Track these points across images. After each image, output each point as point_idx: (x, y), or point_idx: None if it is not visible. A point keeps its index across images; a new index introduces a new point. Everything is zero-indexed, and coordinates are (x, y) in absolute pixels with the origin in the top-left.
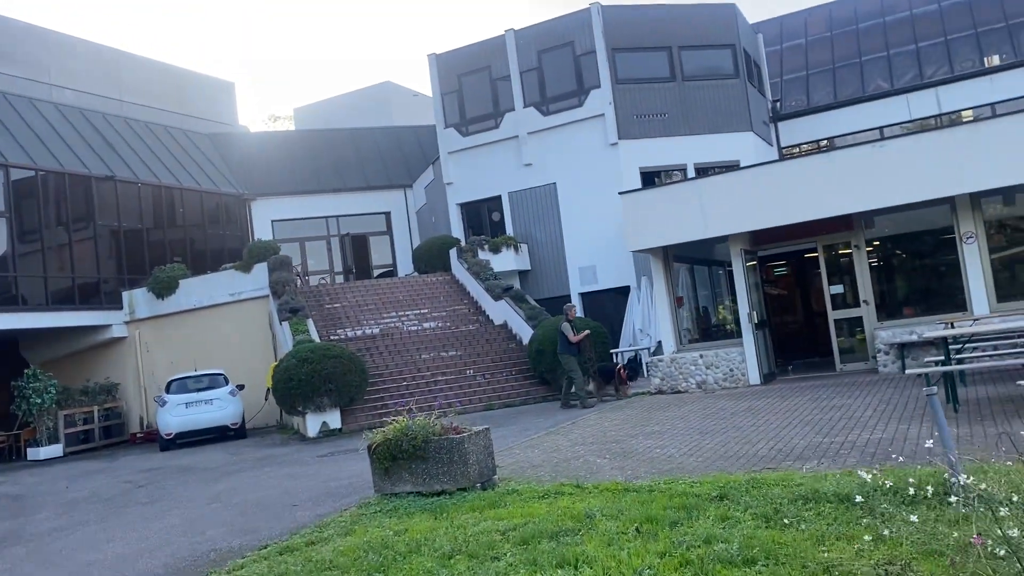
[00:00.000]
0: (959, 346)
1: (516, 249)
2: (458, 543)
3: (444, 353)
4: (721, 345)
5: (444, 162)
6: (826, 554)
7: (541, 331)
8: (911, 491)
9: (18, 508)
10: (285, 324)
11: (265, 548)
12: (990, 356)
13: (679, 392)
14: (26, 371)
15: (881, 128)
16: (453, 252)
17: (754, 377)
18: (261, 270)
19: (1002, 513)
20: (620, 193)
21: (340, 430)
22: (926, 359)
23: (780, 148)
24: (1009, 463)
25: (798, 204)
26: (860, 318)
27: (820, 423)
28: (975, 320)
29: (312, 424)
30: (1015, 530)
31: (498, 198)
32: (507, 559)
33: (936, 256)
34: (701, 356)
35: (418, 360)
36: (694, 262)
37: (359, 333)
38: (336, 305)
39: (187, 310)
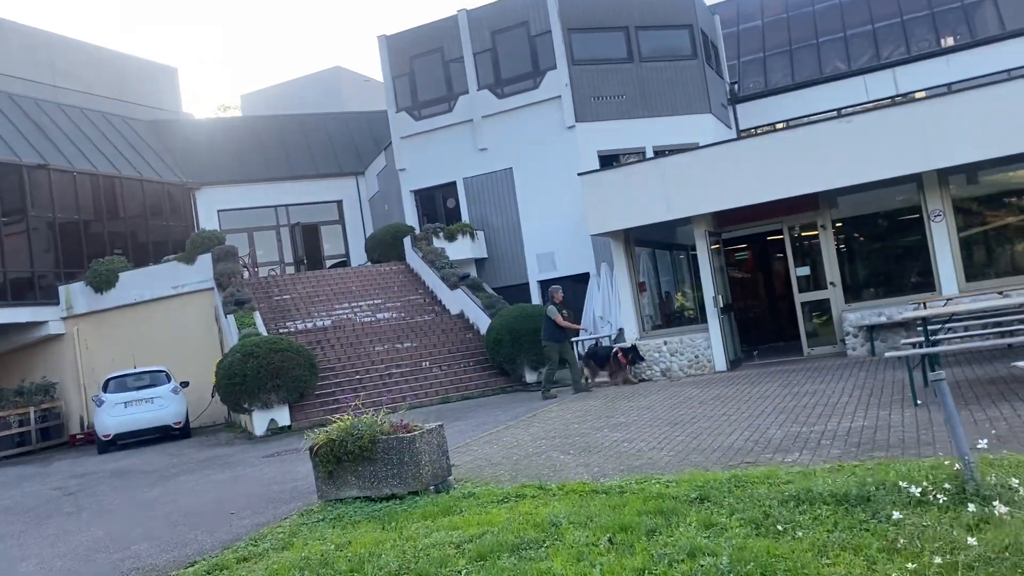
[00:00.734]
0: (938, 327)
1: (472, 236)
2: (407, 559)
3: (399, 345)
4: (686, 331)
5: (396, 148)
6: (832, 568)
7: (499, 320)
8: (916, 490)
9: None
10: (231, 317)
11: (193, 566)
12: (971, 337)
13: (644, 380)
14: None
15: (839, 110)
16: (407, 240)
17: (720, 363)
18: (205, 261)
19: None
20: (580, 174)
21: (289, 428)
22: (902, 341)
23: (738, 131)
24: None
25: (764, 183)
26: (827, 300)
27: (795, 411)
28: (948, 300)
29: (259, 422)
30: None
31: (453, 184)
32: None
33: (904, 236)
34: (665, 343)
35: (372, 352)
36: (655, 246)
37: (309, 325)
38: (285, 297)
39: (128, 304)
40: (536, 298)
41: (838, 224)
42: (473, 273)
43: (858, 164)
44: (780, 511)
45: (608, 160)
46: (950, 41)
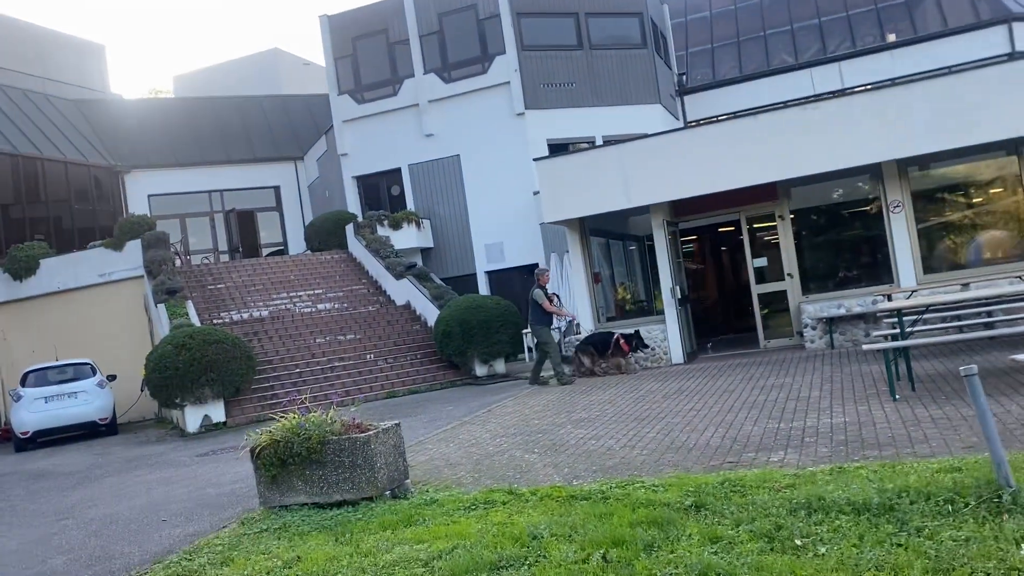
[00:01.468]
0: (914, 318)
1: (418, 225)
2: None
3: (341, 337)
4: (642, 323)
5: (338, 132)
6: None
7: (449, 311)
8: (949, 498)
9: None
10: (161, 307)
11: None
12: (947, 329)
13: (595, 375)
14: None
15: (786, 103)
16: (349, 228)
17: (677, 356)
18: (135, 248)
19: None
20: (535, 160)
21: (224, 424)
22: (875, 333)
23: (686, 122)
24: None
25: (724, 171)
26: (784, 292)
27: (767, 406)
28: (913, 292)
29: (192, 418)
30: None
31: (398, 171)
32: None
33: (862, 227)
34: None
35: (312, 345)
36: (609, 236)
37: (246, 316)
38: (220, 286)
39: (50, 293)
40: (484, 288)
41: (796, 215)
42: (419, 263)
43: (820, 153)
44: (792, 522)
45: (558, 149)
46: (894, 37)
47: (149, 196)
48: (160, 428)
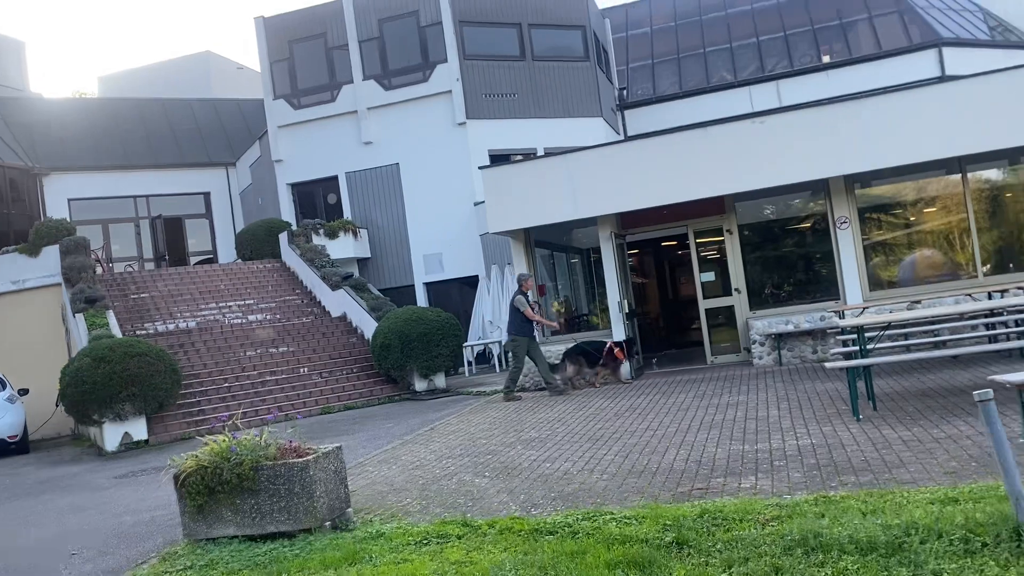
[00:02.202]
0: (875, 335)
1: (355, 234)
2: None
3: (273, 349)
4: (586, 337)
5: (273, 137)
6: None
7: (387, 324)
8: (963, 536)
9: None
10: (80, 317)
11: None
12: (900, 348)
13: (543, 390)
14: None
15: (728, 119)
16: (283, 237)
17: (625, 371)
18: (52, 254)
19: None
20: (480, 168)
21: (147, 442)
22: (833, 351)
23: (627, 136)
24: None
25: (673, 184)
26: (731, 307)
27: (727, 425)
28: (864, 309)
29: (111, 436)
30: None
31: (335, 178)
32: None
33: (810, 243)
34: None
35: (243, 358)
36: (554, 248)
37: (172, 327)
38: (144, 295)
39: None
40: (423, 300)
41: (744, 229)
42: (356, 273)
43: (767, 167)
44: (790, 563)
45: (499, 159)
46: (828, 58)
47: (69, 200)
48: (76, 446)
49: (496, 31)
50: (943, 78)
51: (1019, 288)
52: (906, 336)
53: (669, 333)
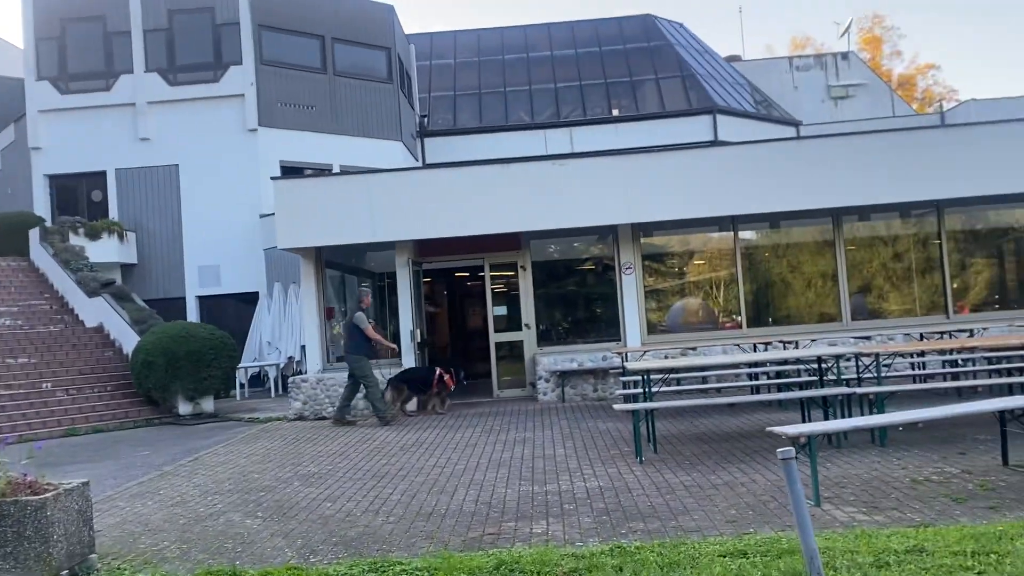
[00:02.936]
0: (661, 377)
1: (121, 237)
2: None
3: (11, 360)
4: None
5: (32, 122)
6: None
7: (151, 339)
8: None
9: None
10: None
11: None
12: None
13: (325, 419)
14: None
15: (521, 159)
16: (34, 233)
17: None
18: None
19: None
20: (273, 179)
21: None
22: (618, 392)
23: (425, 164)
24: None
25: (472, 215)
26: (520, 342)
27: (515, 464)
28: (645, 352)
29: None
30: None
31: (102, 174)
32: None
33: (596, 285)
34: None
35: None
36: (345, 270)
37: None
38: None
39: None
40: (194, 315)
41: (537, 267)
42: (119, 280)
43: (562, 209)
44: None
45: (291, 172)
46: (617, 112)
47: None
48: None
49: (298, 40)
50: (715, 142)
51: (780, 342)
52: (679, 381)
53: (459, 364)
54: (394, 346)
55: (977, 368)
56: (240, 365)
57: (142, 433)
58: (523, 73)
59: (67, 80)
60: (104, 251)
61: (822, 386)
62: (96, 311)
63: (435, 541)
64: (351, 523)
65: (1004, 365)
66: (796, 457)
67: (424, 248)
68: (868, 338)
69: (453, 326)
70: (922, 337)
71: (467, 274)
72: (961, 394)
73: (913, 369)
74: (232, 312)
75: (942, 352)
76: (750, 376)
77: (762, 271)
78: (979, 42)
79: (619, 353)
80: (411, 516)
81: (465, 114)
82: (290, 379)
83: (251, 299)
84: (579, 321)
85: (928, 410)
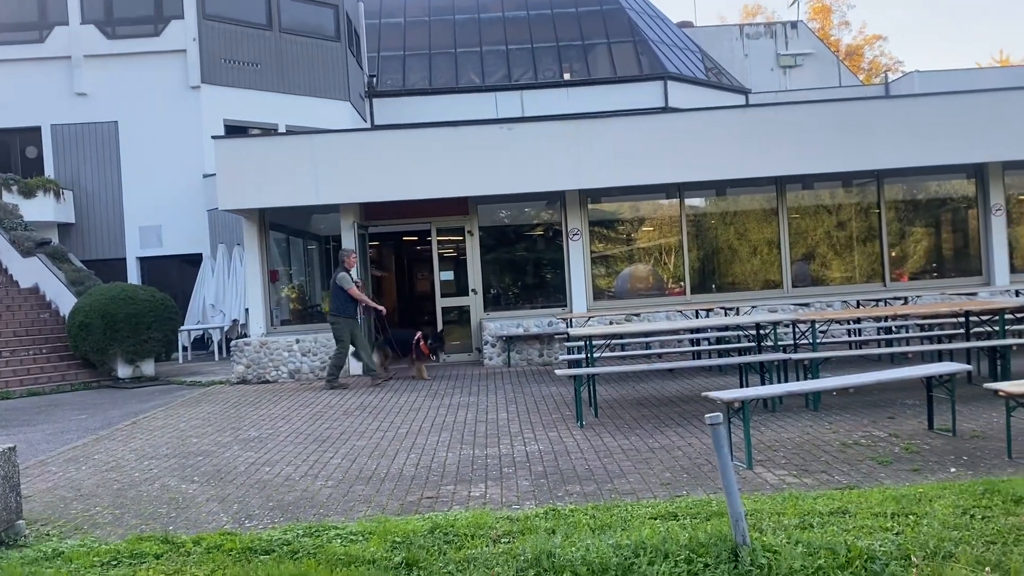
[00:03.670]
0: (604, 343)
1: (58, 196)
2: None
3: None
4: (321, 329)
5: None
6: None
7: (89, 300)
8: (687, 557)
9: None
10: None
11: None
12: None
13: (268, 382)
14: None
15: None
16: None
17: (357, 366)
18: None
19: None
20: (214, 138)
21: None
22: (561, 356)
23: (373, 125)
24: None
25: (419, 179)
26: (467, 307)
27: (457, 428)
28: (591, 318)
29: None
30: None
31: (37, 129)
32: None
33: (544, 251)
34: (297, 341)
35: None
36: (290, 232)
37: None
38: None
39: None
40: (134, 276)
41: (485, 232)
42: (55, 240)
43: (511, 174)
44: None
45: (235, 131)
46: (569, 76)
47: None
48: None
49: None
50: (666, 108)
51: (721, 308)
52: (623, 347)
53: (405, 328)
54: (381, 307)
55: (910, 335)
56: (183, 328)
57: (79, 396)
58: (474, 34)
59: None
60: (40, 210)
61: (760, 352)
62: (31, 271)
63: (373, 505)
64: (289, 487)
65: (935, 332)
66: (731, 421)
67: (371, 211)
68: (808, 305)
69: (400, 291)
70: (859, 304)
71: (415, 238)
72: (894, 360)
73: (849, 336)
74: (175, 274)
75: (877, 319)
76: (692, 342)
77: (708, 238)
78: (925, 15)
79: (564, 319)
80: (350, 480)
81: (415, 75)
82: (233, 342)
83: (194, 261)
84: (526, 287)
85: (859, 376)
